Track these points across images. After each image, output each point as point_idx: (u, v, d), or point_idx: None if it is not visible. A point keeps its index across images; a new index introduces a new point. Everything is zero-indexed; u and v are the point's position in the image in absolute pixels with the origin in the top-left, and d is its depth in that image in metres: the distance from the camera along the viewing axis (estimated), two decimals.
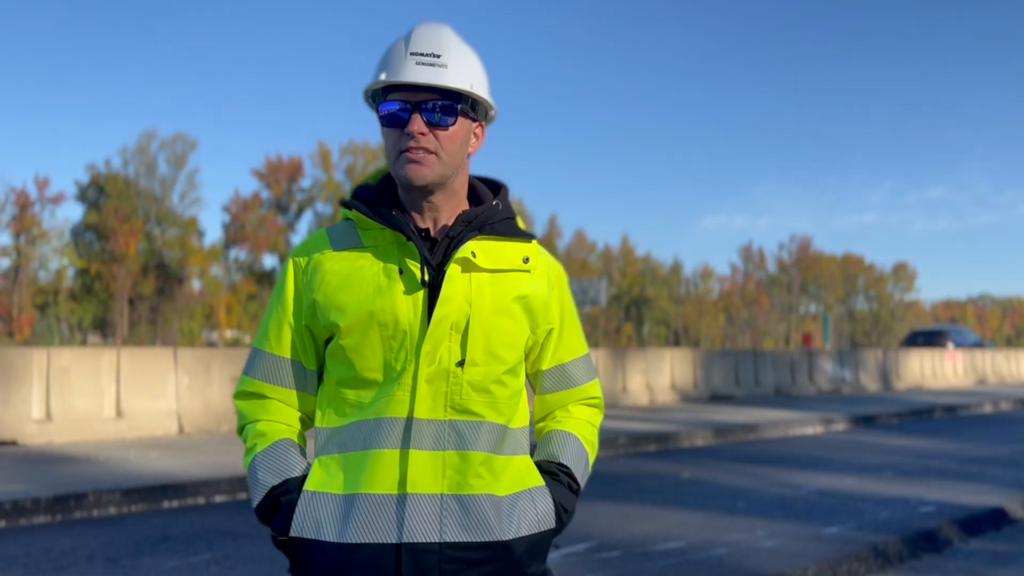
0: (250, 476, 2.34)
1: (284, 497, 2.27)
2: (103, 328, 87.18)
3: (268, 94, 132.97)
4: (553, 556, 7.02)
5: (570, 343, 2.51)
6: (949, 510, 9.34)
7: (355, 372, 2.26)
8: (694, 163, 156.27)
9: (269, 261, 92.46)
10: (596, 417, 2.58)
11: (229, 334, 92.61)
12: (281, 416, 2.38)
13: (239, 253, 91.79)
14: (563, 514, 2.38)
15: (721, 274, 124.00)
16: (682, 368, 23.36)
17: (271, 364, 2.37)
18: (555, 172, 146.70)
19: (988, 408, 24.61)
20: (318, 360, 2.38)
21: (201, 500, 9.76)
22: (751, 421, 17.87)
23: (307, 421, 2.42)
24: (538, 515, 2.32)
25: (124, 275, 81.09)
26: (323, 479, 2.25)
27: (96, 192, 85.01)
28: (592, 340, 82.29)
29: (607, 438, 14.20)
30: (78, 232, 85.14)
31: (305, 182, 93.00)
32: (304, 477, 2.29)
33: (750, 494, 10.35)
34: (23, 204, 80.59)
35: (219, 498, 9.88)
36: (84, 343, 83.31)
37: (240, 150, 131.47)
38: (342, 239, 2.33)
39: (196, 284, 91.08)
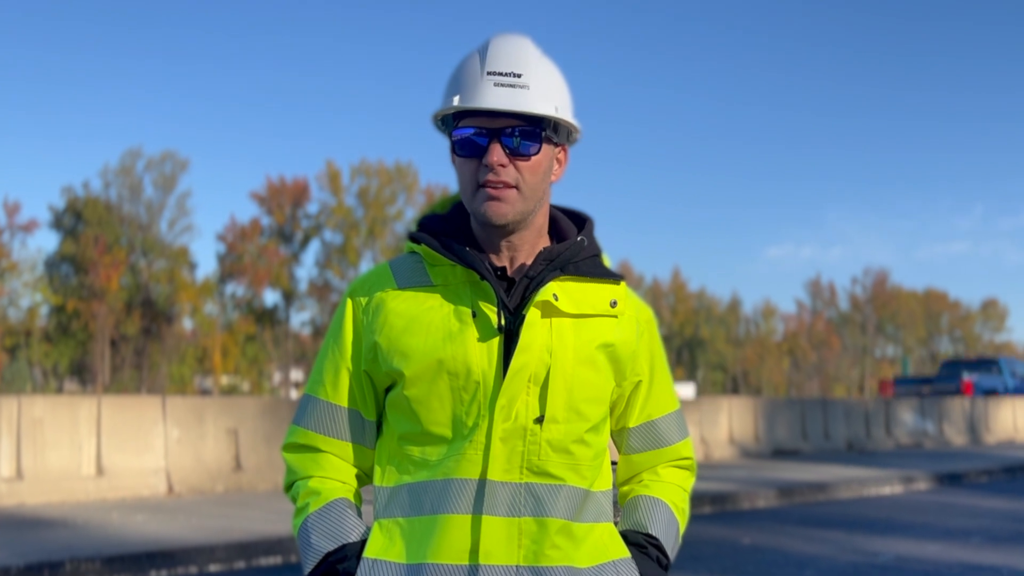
0: (301, 539, 2.34)
1: (341, 565, 2.27)
2: (81, 374, 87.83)
3: (269, 109, 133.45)
4: None
5: (661, 397, 2.50)
6: None
7: (420, 426, 2.28)
8: (756, 187, 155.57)
9: (270, 297, 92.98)
10: (688, 481, 2.58)
11: (225, 380, 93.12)
12: (336, 472, 2.39)
13: (236, 288, 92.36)
14: None
15: (786, 312, 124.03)
16: (741, 419, 23.28)
17: (326, 413, 2.38)
18: (596, 197, 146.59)
19: None
20: (378, 410, 2.40)
21: (193, 569, 9.81)
22: (820, 479, 17.81)
23: (363, 478, 2.44)
24: None
25: (105, 313, 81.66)
26: (385, 545, 2.27)
27: (73, 219, 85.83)
28: None
29: None
30: (53, 264, 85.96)
31: (312, 207, 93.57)
32: (362, 542, 2.30)
33: (819, 562, 10.31)
34: None
35: (213, 567, 9.93)
36: (60, 390, 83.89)
37: (237, 171, 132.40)
38: (408, 275, 2.34)
39: (187, 323, 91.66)
